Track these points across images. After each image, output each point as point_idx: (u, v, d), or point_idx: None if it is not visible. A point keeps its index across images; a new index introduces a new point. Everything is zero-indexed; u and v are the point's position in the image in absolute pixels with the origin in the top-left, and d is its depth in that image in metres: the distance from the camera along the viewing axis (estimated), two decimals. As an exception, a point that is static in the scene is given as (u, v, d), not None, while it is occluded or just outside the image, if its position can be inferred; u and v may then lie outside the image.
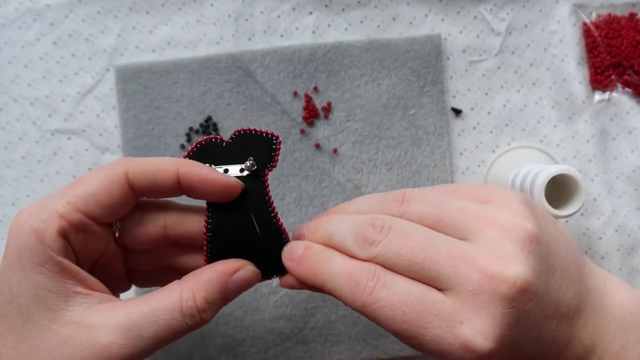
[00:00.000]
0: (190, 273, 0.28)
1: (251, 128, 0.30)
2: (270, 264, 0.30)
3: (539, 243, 0.25)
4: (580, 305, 0.26)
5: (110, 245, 0.29)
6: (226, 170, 0.29)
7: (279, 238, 0.30)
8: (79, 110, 0.43)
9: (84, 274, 0.27)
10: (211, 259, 0.29)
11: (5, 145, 0.43)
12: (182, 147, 0.43)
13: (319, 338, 0.42)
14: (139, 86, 0.43)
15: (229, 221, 0.29)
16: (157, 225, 0.30)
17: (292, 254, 0.28)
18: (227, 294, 0.28)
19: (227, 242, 0.30)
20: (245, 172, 0.29)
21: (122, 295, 0.31)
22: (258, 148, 0.30)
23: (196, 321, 0.27)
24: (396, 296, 0.24)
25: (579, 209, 0.36)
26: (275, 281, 0.30)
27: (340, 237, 0.27)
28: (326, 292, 0.27)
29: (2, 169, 0.43)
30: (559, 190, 0.37)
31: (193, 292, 0.27)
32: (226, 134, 0.43)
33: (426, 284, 0.25)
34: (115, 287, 0.31)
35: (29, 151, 0.43)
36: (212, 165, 0.29)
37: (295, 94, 0.43)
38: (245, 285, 0.28)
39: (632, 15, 0.45)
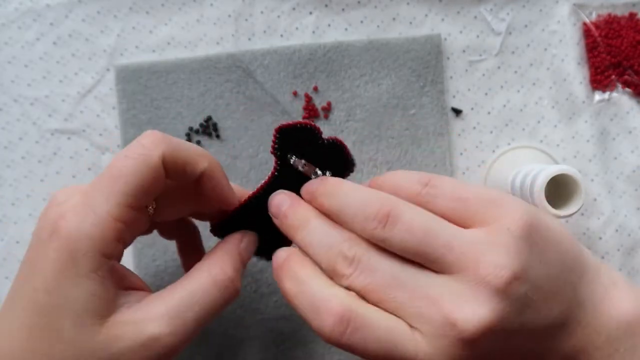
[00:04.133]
0: (207, 254, 0.30)
1: (346, 146, 0.29)
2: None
3: (521, 281, 0.24)
4: (566, 319, 0.26)
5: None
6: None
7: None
8: (79, 110, 0.43)
9: (126, 272, 0.28)
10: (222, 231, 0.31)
11: (5, 145, 0.43)
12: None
13: (319, 338, 0.42)
14: (139, 86, 0.43)
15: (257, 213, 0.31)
16: (189, 206, 0.31)
17: (277, 258, 0.29)
18: (243, 260, 0.30)
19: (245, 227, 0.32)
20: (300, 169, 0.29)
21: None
22: (336, 161, 0.30)
23: (231, 291, 0.29)
24: (371, 324, 0.25)
25: (579, 209, 0.36)
26: None
27: (315, 254, 0.28)
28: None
29: (2, 169, 0.43)
30: (559, 190, 0.37)
31: (220, 265, 0.28)
32: (226, 133, 0.43)
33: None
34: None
35: (29, 151, 0.43)
36: (294, 156, 0.28)
37: (295, 94, 0.43)
38: (251, 250, 0.31)
39: (632, 15, 0.45)
